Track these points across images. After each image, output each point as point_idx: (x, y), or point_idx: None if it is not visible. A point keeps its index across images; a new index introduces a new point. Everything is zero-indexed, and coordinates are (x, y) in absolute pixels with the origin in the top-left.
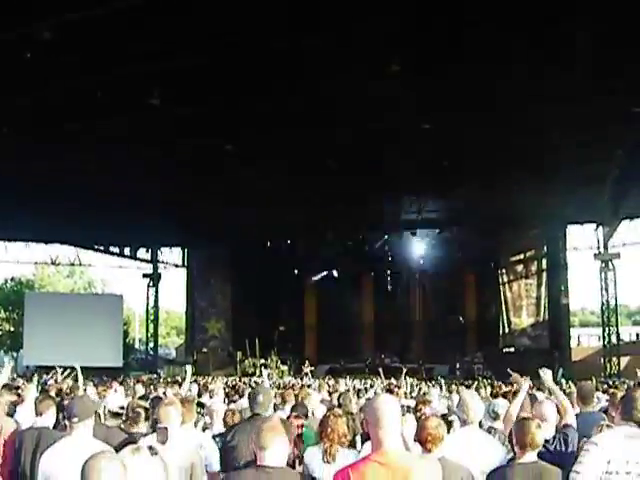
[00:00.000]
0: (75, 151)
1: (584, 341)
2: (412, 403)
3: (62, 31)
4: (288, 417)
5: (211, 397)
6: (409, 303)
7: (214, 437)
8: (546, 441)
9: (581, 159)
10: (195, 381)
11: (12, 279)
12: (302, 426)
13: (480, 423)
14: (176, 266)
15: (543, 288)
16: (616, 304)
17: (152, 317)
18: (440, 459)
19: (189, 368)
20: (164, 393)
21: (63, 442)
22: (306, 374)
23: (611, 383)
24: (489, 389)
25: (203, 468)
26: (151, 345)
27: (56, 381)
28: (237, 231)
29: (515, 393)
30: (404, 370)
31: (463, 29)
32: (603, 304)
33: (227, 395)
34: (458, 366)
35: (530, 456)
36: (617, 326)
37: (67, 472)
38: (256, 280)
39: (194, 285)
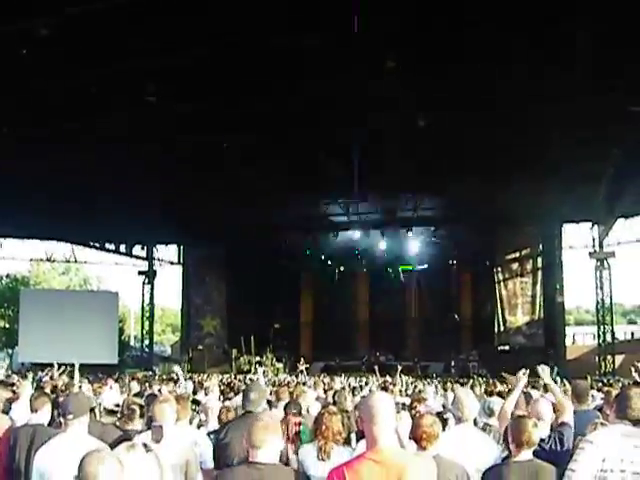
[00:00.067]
0: (72, 149)
1: (579, 339)
2: (407, 401)
3: (60, 27)
4: (286, 415)
5: (206, 394)
6: (404, 301)
7: (209, 434)
8: (541, 440)
9: (577, 158)
10: (190, 378)
11: (7, 276)
12: (300, 424)
13: (475, 420)
14: (172, 263)
15: (538, 286)
16: (611, 303)
17: (147, 314)
18: (435, 457)
19: (177, 368)
20: (159, 390)
21: (58, 439)
22: (301, 372)
23: (606, 381)
24: (483, 387)
25: (198, 465)
26: (146, 342)
27: (52, 377)
28: (233, 229)
29: (510, 392)
30: (399, 368)
31: (463, 29)
32: (598, 302)
33: (222, 392)
34: (453, 364)
35: (526, 454)
36: (612, 324)
37: (62, 469)
38: (252, 277)
39: (189, 282)
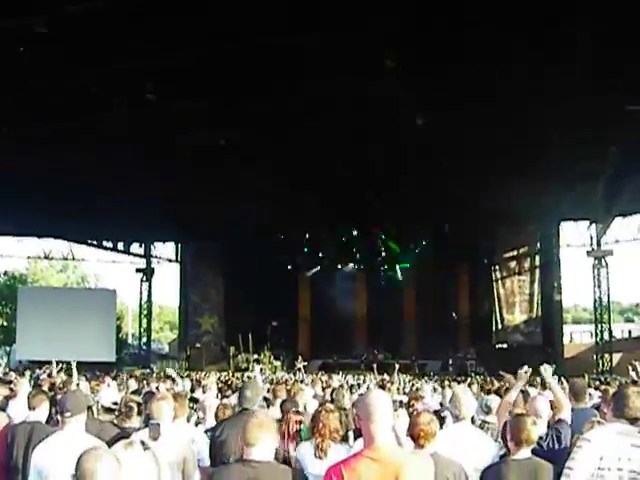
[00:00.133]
0: (70, 147)
1: (576, 338)
2: (405, 399)
3: (60, 26)
4: (287, 412)
5: (204, 392)
6: (402, 299)
7: (206, 432)
8: (539, 437)
9: (575, 157)
10: (188, 376)
11: (5, 273)
12: (300, 422)
13: (472, 418)
14: (169, 261)
15: (536, 285)
16: (609, 301)
17: (145, 312)
18: (432, 455)
19: (171, 370)
20: (157, 388)
21: (55, 436)
22: (299, 369)
23: (603, 380)
24: (476, 386)
25: (195, 463)
26: (144, 340)
27: (50, 375)
28: (230, 226)
29: (507, 390)
30: (396, 367)
31: (463, 29)
32: (596, 301)
33: (220, 390)
34: (451, 362)
35: (524, 453)
36: (609, 323)
37: (59, 466)
38: (249, 275)
39: (187, 280)
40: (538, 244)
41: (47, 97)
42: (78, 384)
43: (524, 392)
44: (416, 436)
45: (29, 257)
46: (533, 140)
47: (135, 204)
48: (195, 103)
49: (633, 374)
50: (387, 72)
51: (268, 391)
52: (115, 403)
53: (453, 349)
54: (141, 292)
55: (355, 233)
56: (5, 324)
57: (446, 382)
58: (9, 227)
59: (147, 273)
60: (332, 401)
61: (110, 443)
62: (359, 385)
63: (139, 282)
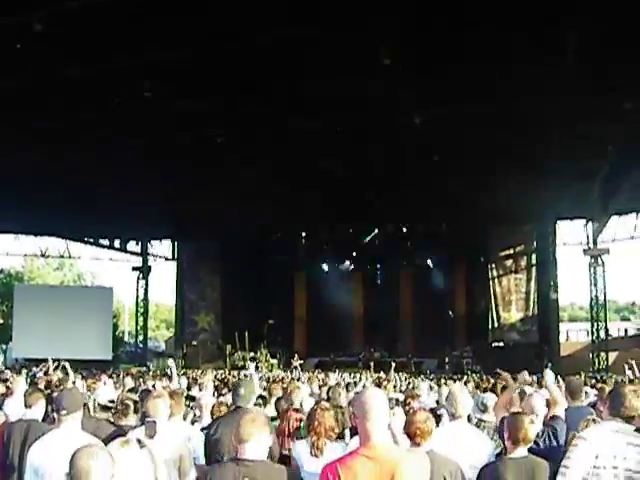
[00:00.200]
0: (68, 146)
1: (573, 336)
2: (401, 397)
3: (58, 22)
4: (287, 411)
5: (200, 390)
6: (399, 297)
7: (202, 430)
8: (536, 435)
9: (572, 156)
10: (185, 374)
11: (1, 271)
12: (300, 420)
13: (469, 417)
14: (166, 259)
15: (532, 283)
16: (605, 299)
17: (142, 310)
18: (428, 453)
19: (172, 362)
20: (153, 386)
21: (51, 434)
22: (295, 367)
23: (599, 378)
24: (472, 384)
25: (191, 460)
26: (140, 338)
27: (46, 373)
28: (227, 225)
29: (504, 388)
30: (392, 365)
31: (463, 29)
32: (592, 299)
33: (216, 388)
34: (447, 360)
35: (521, 451)
36: (605, 321)
37: (55, 464)
38: (246, 273)
39: (184, 278)
40: (534, 242)
41: (47, 96)
42: (74, 382)
43: (520, 390)
44: (412, 434)
45: (25, 255)
46: (532, 140)
47: (132, 202)
48: (195, 103)
49: (629, 373)
50: (386, 71)
51: (265, 389)
52: (112, 401)
53: (449, 347)
54: (137, 290)
55: (352, 232)
56: (1, 322)
57: (442, 380)
58: (5, 225)
59: (144, 271)
60: (328, 399)
61: (106, 441)
62: (355, 383)
63: (136, 280)
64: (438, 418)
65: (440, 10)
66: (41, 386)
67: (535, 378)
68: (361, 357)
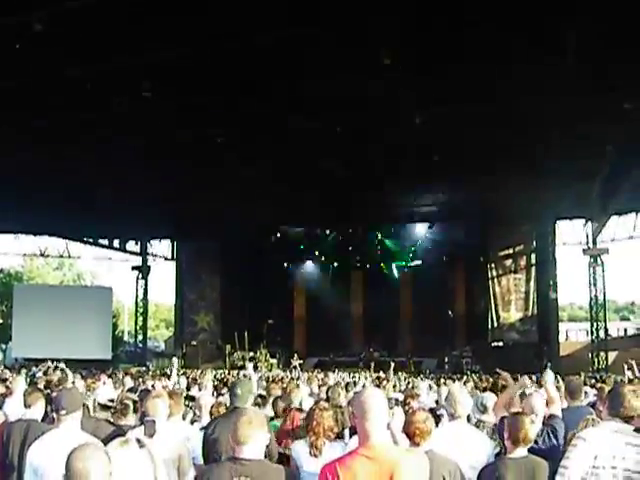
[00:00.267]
0: (68, 145)
1: (572, 336)
2: (400, 396)
3: (58, 22)
4: (290, 410)
5: (200, 390)
6: (398, 297)
7: (202, 430)
8: (536, 435)
9: (572, 155)
10: (184, 374)
11: (1, 271)
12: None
13: (468, 417)
14: (165, 259)
15: (532, 283)
16: (604, 299)
17: (141, 310)
18: (428, 452)
19: (175, 360)
20: (153, 386)
21: (51, 434)
22: (295, 367)
23: (599, 378)
24: (471, 384)
25: (190, 460)
26: (140, 338)
27: (45, 373)
28: (227, 224)
29: (503, 387)
30: (391, 365)
31: (463, 29)
32: (591, 299)
33: (216, 388)
34: (447, 360)
35: (521, 451)
36: (605, 321)
37: (54, 464)
38: (245, 273)
39: (183, 278)
40: (534, 242)
41: (46, 95)
42: (74, 382)
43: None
44: (412, 434)
45: (25, 255)
46: (531, 139)
47: (132, 202)
48: (195, 102)
49: (629, 373)
50: (386, 71)
51: (264, 389)
52: (111, 400)
53: (449, 347)
54: (137, 290)
55: (352, 232)
56: (1, 322)
57: (442, 380)
58: (5, 224)
59: (143, 271)
60: (328, 399)
61: (106, 441)
62: (355, 383)
63: (135, 280)
64: (438, 418)
65: (440, 10)
66: (41, 386)
67: (535, 378)
68: (362, 357)
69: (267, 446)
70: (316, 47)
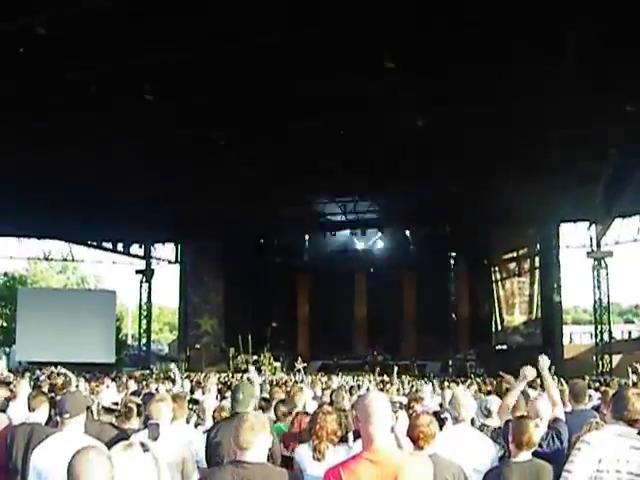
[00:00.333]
0: (70, 148)
1: (576, 339)
2: (404, 400)
3: (59, 25)
4: (297, 414)
5: (204, 393)
6: (402, 300)
7: (204, 433)
8: (540, 438)
9: (575, 157)
10: (188, 377)
11: (5, 274)
12: None
13: (472, 420)
14: (169, 262)
15: (536, 286)
16: (608, 302)
17: (145, 313)
18: (431, 456)
19: (174, 366)
20: (156, 389)
21: (54, 438)
22: (299, 370)
23: (603, 381)
24: (475, 387)
25: (194, 464)
26: (144, 341)
27: (49, 377)
28: (230, 227)
29: (507, 390)
30: (395, 369)
31: (463, 29)
32: (595, 302)
33: (219, 391)
34: (450, 363)
35: (525, 455)
36: (609, 324)
37: (58, 468)
38: (249, 277)
39: (187, 281)
40: (538, 245)
41: (47, 96)
42: (77, 385)
43: (524, 393)
44: (416, 438)
45: (29, 258)
46: (533, 140)
47: (135, 204)
48: (195, 103)
49: (633, 376)
50: (386, 71)
51: (268, 393)
52: (115, 404)
53: (453, 350)
54: (141, 293)
55: (353, 233)
56: (5, 325)
57: (445, 383)
58: (9, 228)
59: (147, 274)
60: (331, 402)
61: (110, 444)
62: (359, 386)
63: (139, 283)
64: (442, 422)
65: (440, 10)
66: (45, 389)
67: (539, 381)
68: (366, 360)
69: (270, 449)
70: (316, 47)
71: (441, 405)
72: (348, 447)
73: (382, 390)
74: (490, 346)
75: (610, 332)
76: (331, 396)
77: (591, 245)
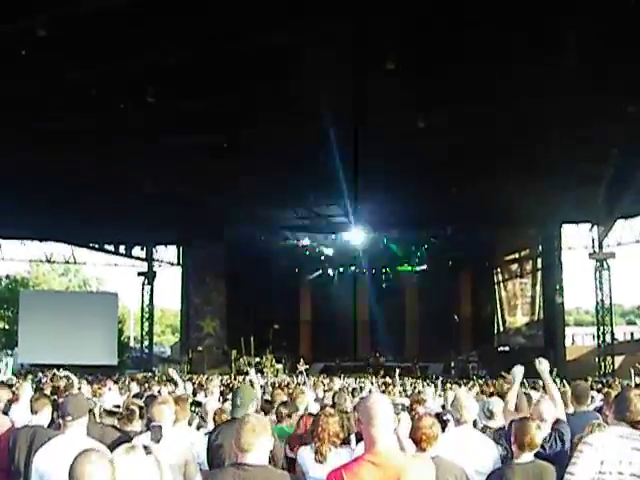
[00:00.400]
0: (71, 149)
1: (579, 340)
2: (407, 402)
3: (59, 27)
4: (302, 416)
5: (206, 396)
6: (404, 302)
7: (206, 435)
8: (543, 439)
9: (577, 158)
10: (190, 380)
11: (7, 277)
12: None
13: (475, 422)
14: (171, 264)
15: (538, 287)
16: (611, 303)
17: (147, 315)
18: (434, 458)
19: (172, 370)
20: (159, 391)
21: (57, 440)
22: (301, 372)
23: (605, 382)
24: (478, 388)
25: (197, 466)
26: (146, 343)
27: (52, 379)
28: (232, 229)
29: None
30: (397, 370)
31: (463, 29)
32: (598, 303)
33: (222, 394)
34: (453, 365)
35: (527, 456)
36: (611, 325)
37: (60, 470)
38: (251, 278)
39: (189, 283)
40: (540, 247)
41: (47, 97)
42: (80, 388)
43: (527, 395)
44: (418, 440)
45: (31, 261)
46: (533, 141)
47: (137, 206)
48: (195, 103)
49: (636, 378)
50: (388, 74)
51: (270, 395)
52: (117, 406)
53: (455, 352)
54: (143, 295)
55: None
56: (7, 327)
57: (448, 385)
58: (10, 230)
59: (149, 276)
60: (334, 404)
61: (112, 447)
62: (361, 388)
63: (141, 285)
64: (444, 423)
65: (440, 10)
66: (47, 392)
67: (541, 383)
68: (369, 362)
69: (271, 451)
70: (316, 47)
71: (443, 407)
72: (350, 449)
73: (384, 392)
74: (492, 347)
75: (612, 333)
76: (333, 398)
77: (593, 246)
